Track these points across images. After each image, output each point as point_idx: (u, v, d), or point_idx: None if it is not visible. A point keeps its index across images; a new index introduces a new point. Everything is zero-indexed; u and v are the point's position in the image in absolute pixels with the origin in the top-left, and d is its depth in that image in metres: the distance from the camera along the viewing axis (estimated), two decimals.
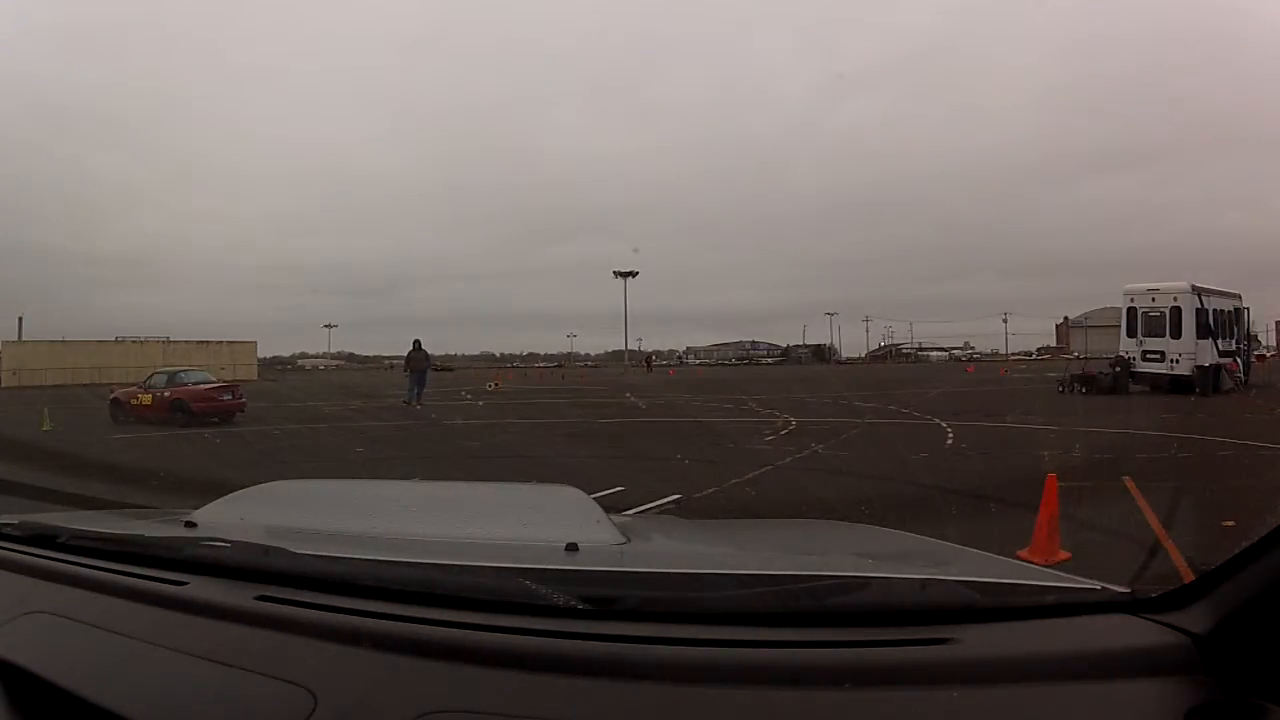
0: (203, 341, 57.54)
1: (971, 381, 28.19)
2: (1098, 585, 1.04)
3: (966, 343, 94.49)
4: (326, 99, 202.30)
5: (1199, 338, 19.38)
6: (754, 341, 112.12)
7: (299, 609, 1.06)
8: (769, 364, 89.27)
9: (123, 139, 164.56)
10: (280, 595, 1.09)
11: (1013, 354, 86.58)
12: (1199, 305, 19.64)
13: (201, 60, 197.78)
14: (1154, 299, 20.18)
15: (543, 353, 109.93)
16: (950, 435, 11.40)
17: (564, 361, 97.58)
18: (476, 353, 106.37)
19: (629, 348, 78.22)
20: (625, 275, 71.67)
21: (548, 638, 0.95)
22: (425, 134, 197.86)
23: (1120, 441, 10.44)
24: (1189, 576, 0.97)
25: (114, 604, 1.16)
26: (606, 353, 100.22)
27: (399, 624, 1.00)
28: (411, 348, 20.41)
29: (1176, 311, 19.70)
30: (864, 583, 1.07)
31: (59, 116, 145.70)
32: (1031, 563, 2.64)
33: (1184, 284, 20.07)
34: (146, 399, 16.64)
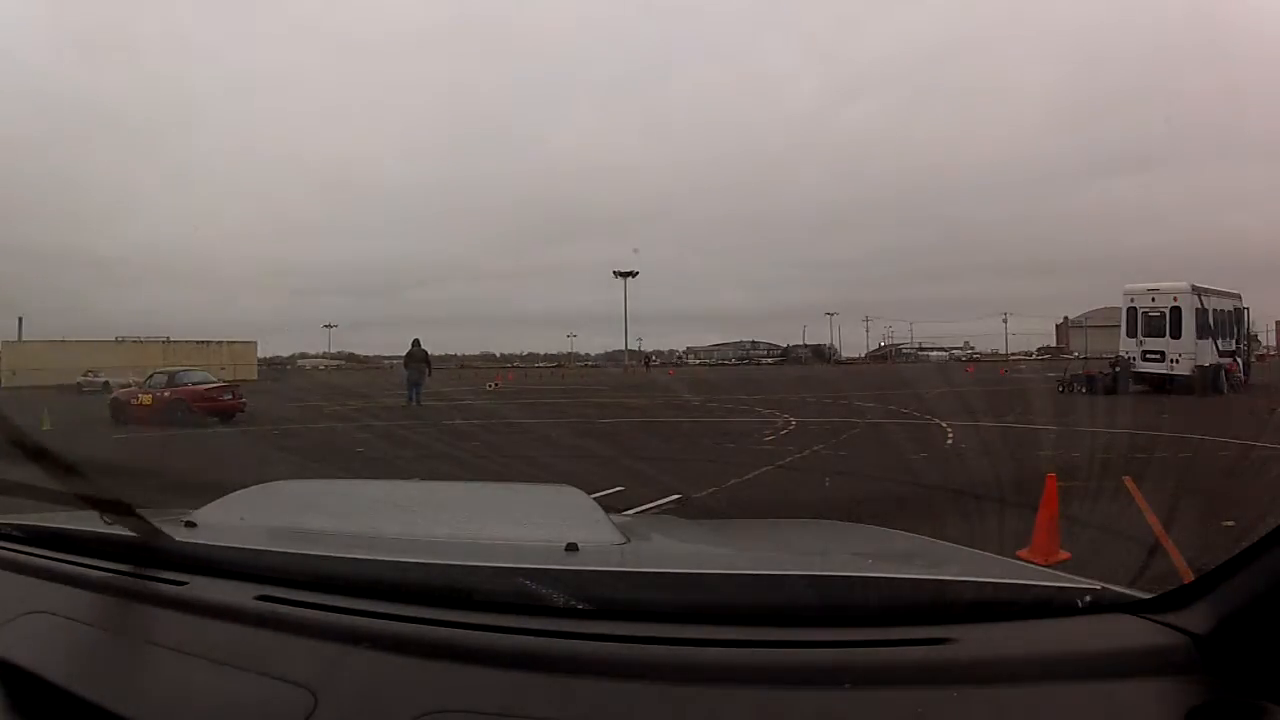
0: (203, 341, 57.43)
1: (972, 381, 28.18)
2: (1098, 585, 1.04)
3: (966, 343, 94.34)
4: (328, 99, 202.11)
5: (1199, 338, 19.38)
6: (754, 341, 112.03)
7: (299, 609, 1.06)
8: (769, 364, 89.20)
9: (124, 139, 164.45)
10: (280, 595, 1.09)
11: (1013, 354, 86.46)
12: (1199, 305, 19.64)
13: (203, 60, 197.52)
14: (1154, 299, 20.18)
15: (543, 353, 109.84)
16: (950, 435, 11.40)
17: (564, 361, 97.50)
18: (476, 352, 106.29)
19: (629, 348, 78.26)
20: (625, 275, 71.70)
21: (548, 638, 0.95)
22: (426, 135, 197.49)
23: (1120, 441, 10.43)
24: (1189, 576, 0.97)
25: (114, 604, 1.16)
26: (606, 353, 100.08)
27: (399, 624, 1.00)
28: (411, 346, 20.41)
29: (1176, 311, 19.70)
30: (864, 583, 1.07)
31: (61, 117, 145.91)
32: (1031, 563, 2.64)
33: (1184, 284, 20.07)
34: (146, 399, 16.66)
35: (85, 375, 34.28)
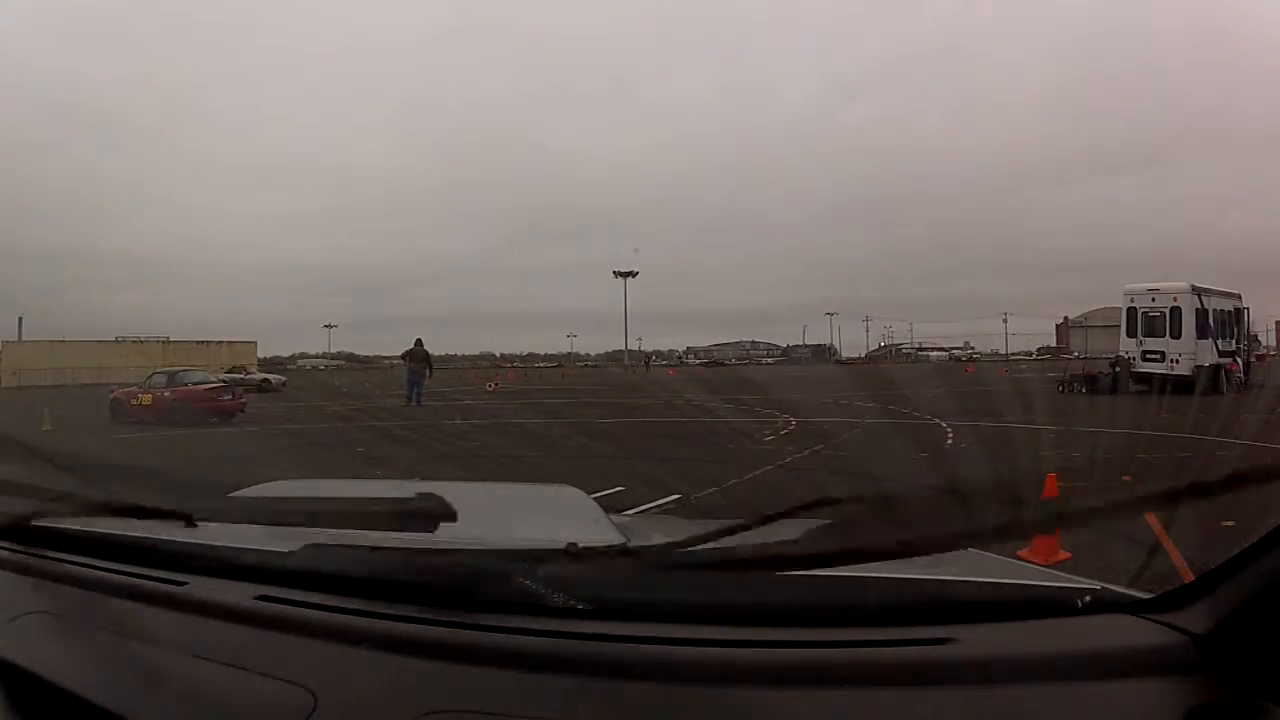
0: (203, 341, 57.52)
1: (972, 381, 28.18)
2: (1098, 585, 1.04)
3: (966, 343, 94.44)
4: (329, 99, 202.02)
5: (1199, 338, 19.39)
6: (754, 341, 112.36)
7: (299, 609, 1.06)
8: (769, 364, 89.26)
9: (124, 139, 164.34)
10: (280, 595, 1.09)
11: (1013, 354, 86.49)
12: (1199, 305, 19.65)
13: (204, 60, 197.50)
14: (1154, 299, 20.19)
15: (543, 353, 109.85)
16: (950, 435, 11.40)
17: (564, 361, 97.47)
18: (477, 352, 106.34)
19: (629, 348, 78.30)
20: (625, 275, 71.75)
21: (548, 638, 0.95)
22: (426, 134, 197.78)
23: (1120, 441, 10.44)
24: (1189, 576, 0.97)
25: (114, 604, 1.16)
26: (606, 353, 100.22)
27: (399, 624, 1.00)
28: (412, 345, 20.37)
29: (1176, 311, 19.72)
30: (864, 583, 1.07)
31: (61, 116, 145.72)
32: (1031, 563, 2.64)
33: (1184, 284, 20.09)
34: (146, 399, 16.67)
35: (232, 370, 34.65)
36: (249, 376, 32.93)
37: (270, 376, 36.02)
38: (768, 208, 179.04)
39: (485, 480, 4.93)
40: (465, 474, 8.47)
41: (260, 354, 65.62)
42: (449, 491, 2.04)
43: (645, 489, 6.88)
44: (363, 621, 1.01)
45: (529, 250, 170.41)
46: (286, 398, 26.76)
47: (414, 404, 18.96)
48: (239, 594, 1.10)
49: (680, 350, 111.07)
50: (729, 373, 56.52)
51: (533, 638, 0.95)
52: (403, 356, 20.67)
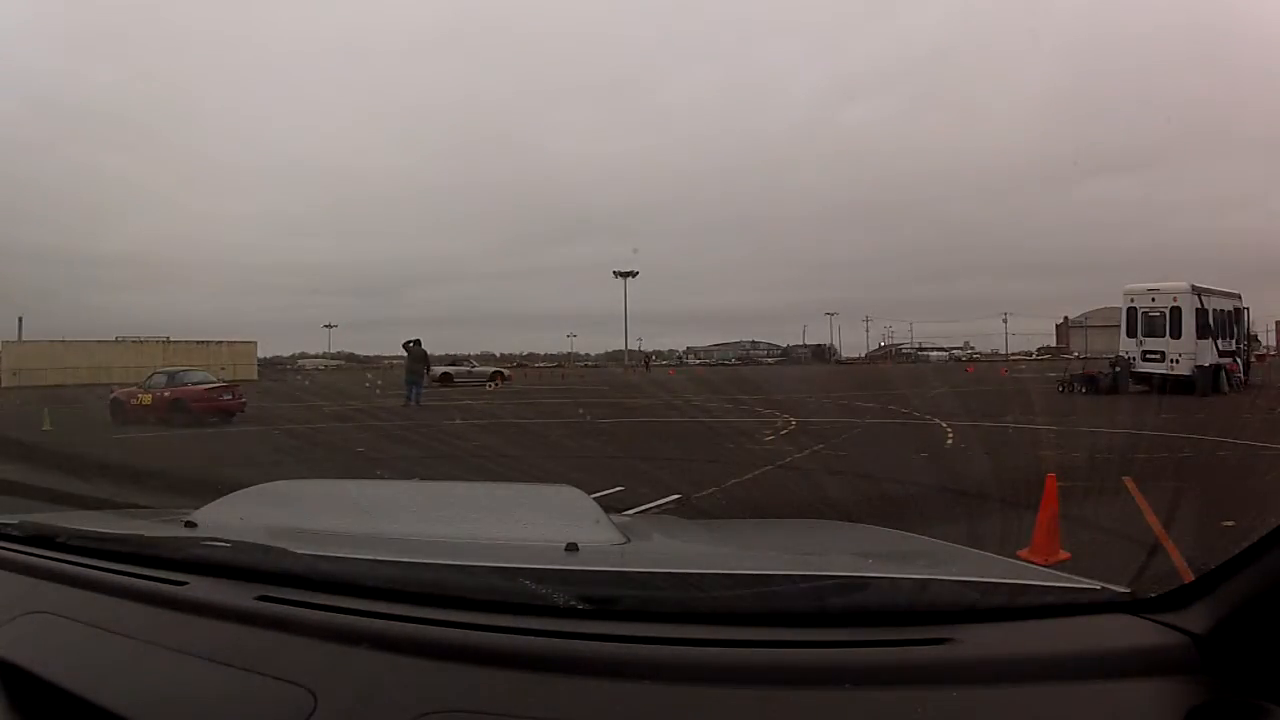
0: (202, 341, 57.44)
1: (972, 381, 28.17)
2: (1098, 585, 1.04)
3: (966, 343, 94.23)
4: (329, 99, 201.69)
5: (1199, 338, 19.39)
6: (754, 341, 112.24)
7: (299, 609, 1.06)
8: (769, 364, 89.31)
9: (124, 139, 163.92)
10: (280, 595, 1.09)
11: (1013, 354, 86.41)
12: (1199, 305, 19.65)
13: (204, 60, 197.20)
14: (1154, 299, 20.19)
15: (543, 353, 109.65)
16: (951, 435, 11.39)
17: (564, 361, 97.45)
18: (476, 352, 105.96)
19: (629, 348, 78.23)
20: (625, 275, 71.65)
21: (548, 638, 0.95)
22: (426, 134, 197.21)
23: (1120, 442, 10.44)
24: (1189, 576, 0.97)
25: (114, 604, 1.16)
26: (606, 353, 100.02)
27: (399, 624, 1.00)
28: (412, 343, 20.37)
29: (1176, 311, 19.71)
30: (864, 583, 1.07)
31: (61, 117, 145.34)
32: (1031, 563, 2.64)
33: (1184, 284, 20.08)
34: (146, 399, 16.68)
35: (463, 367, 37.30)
36: (477, 369, 36.72)
37: (502, 370, 40.47)
38: (768, 208, 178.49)
39: (485, 480, 4.93)
40: (465, 474, 8.46)
41: (260, 354, 65.47)
42: (449, 492, 2.05)
43: (645, 489, 6.87)
44: (363, 621, 1.01)
45: (529, 250, 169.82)
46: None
47: (413, 404, 18.94)
48: (239, 594, 1.10)
49: (680, 350, 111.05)
50: (729, 372, 56.57)
51: (533, 638, 0.95)
52: (404, 346, 20.67)
